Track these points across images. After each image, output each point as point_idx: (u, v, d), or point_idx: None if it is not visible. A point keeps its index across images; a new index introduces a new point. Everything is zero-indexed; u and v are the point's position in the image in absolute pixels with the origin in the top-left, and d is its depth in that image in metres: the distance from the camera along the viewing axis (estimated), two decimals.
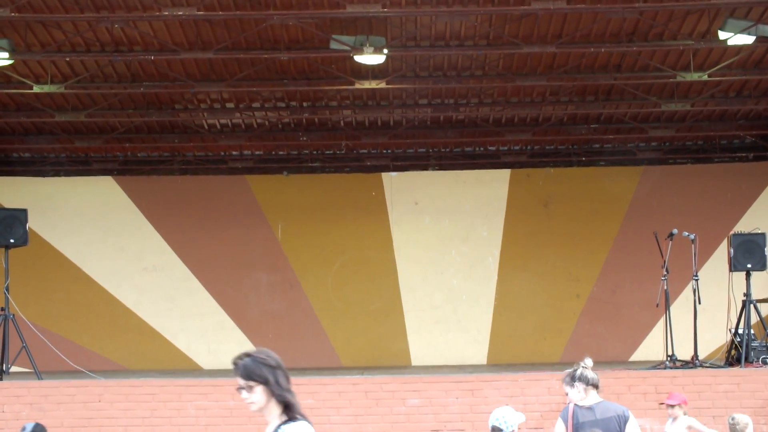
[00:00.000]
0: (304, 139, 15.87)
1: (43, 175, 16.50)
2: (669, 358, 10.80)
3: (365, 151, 16.77)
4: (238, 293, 16.21)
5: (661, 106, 14.46)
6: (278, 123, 15.71)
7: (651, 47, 12.89)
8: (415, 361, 15.90)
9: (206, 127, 15.66)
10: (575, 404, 5.98)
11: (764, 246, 11.22)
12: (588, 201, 16.36)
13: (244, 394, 3.64)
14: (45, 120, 14.88)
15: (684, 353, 11.16)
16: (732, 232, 11.59)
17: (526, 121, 15.71)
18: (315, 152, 16.80)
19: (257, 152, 16.80)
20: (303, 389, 10.16)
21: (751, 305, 11.10)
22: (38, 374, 10.65)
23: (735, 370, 10.47)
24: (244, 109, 15.00)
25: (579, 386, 5.98)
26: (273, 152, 16.84)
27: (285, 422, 3.61)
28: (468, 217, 16.40)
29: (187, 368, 15.45)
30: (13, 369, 10.82)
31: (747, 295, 11.12)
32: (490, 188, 16.44)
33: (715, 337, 12.33)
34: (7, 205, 14.62)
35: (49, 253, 15.94)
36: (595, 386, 6.01)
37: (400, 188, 16.46)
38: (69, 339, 15.04)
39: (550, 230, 16.28)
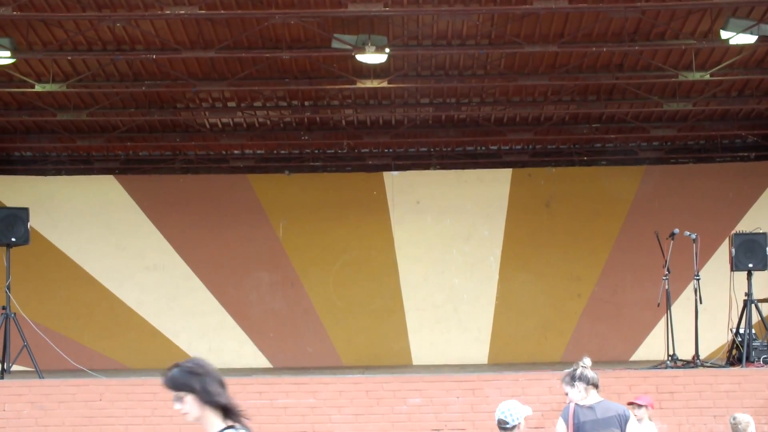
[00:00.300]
0: (306, 138, 15.87)
1: (45, 174, 16.51)
2: (670, 358, 10.79)
3: (367, 150, 16.76)
4: (239, 292, 16.22)
5: (663, 106, 14.45)
6: (280, 122, 15.71)
7: (653, 47, 12.88)
8: (416, 361, 15.90)
9: (208, 126, 15.67)
10: (576, 404, 5.98)
11: (766, 245, 11.21)
12: (589, 200, 16.36)
13: (177, 405, 3.62)
14: (47, 119, 14.89)
15: (685, 353, 11.15)
16: (733, 232, 11.58)
17: (528, 120, 15.70)
18: (316, 151, 16.80)
19: (259, 151, 16.80)
20: (304, 388, 10.17)
21: (753, 305, 11.09)
22: (39, 373, 10.66)
23: (736, 370, 10.46)
24: (246, 108, 15.00)
25: (579, 386, 5.98)
26: (274, 151, 16.84)
27: (223, 430, 3.59)
28: (469, 216, 16.40)
29: None
30: (15, 368, 10.83)
31: (748, 294, 11.12)
32: (491, 188, 16.43)
33: (716, 337, 12.32)
34: (9, 203, 14.62)
35: (51, 251, 15.94)
36: (595, 385, 6.01)
37: (402, 187, 16.46)
38: (70, 338, 15.05)
39: (551, 230, 16.27)
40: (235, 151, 16.76)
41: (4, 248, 11.05)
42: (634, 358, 15.39)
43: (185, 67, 13.43)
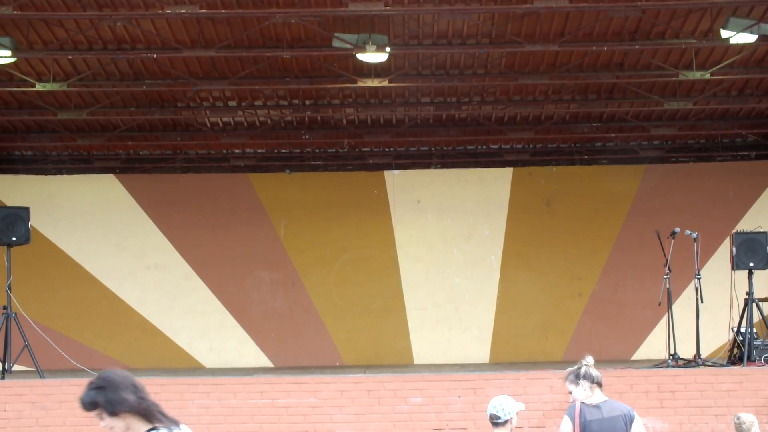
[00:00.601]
0: (307, 137, 15.87)
1: (46, 174, 16.51)
2: (671, 357, 10.79)
3: (368, 149, 16.76)
4: (240, 291, 16.22)
5: (664, 105, 14.45)
6: (281, 121, 15.71)
7: (653, 46, 12.88)
8: (417, 360, 15.90)
9: (208, 125, 15.67)
10: (582, 402, 5.96)
11: (766, 244, 11.20)
12: (590, 199, 16.36)
13: (101, 423, 3.66)
14: (47, 118, 14.89)
15: (686, 352, 11.15)
16: (734, 231, 11.59)
17: (529, 119, 15.70)
18: (317, 150, 16.80)
19: (260, 150, 16.81)
20: (305, 388, 10.17)
21: (754, 304, 11.09)
22: (40, 373, 10.66)
23: (737, 369, 10.46)
24: (247, 107, 15.00)
25: (584, 384, 5.97)
26: (275, 150, 16.84)
27: None
28: (470, 215, 16.40)
29: (189, 366, 15.47)
30: (16, 368, 10.81)
31: (749, 293, 11.12)
32: (492, 187, 16.43)
33: (717, 336, 12.33)
34: (10, 203, 14.62)
35: (51, 251, 15.94)
36: (600, 384, 6.00)
37: (403, 186, 16.45)
38: (71, 337, 15.05)
39: (552, 229, 16.27)
40: (236, 150, 16.76)
41: (5, 248, 11.04)
42: (635, 357, 15.40)
43: (186, 66, 13.42)
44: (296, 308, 16.18)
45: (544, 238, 16.21)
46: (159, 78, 13.70)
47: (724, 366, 10.73)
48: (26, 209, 11.22)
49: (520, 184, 16.43)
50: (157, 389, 10.14)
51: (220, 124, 15.72)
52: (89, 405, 3.63)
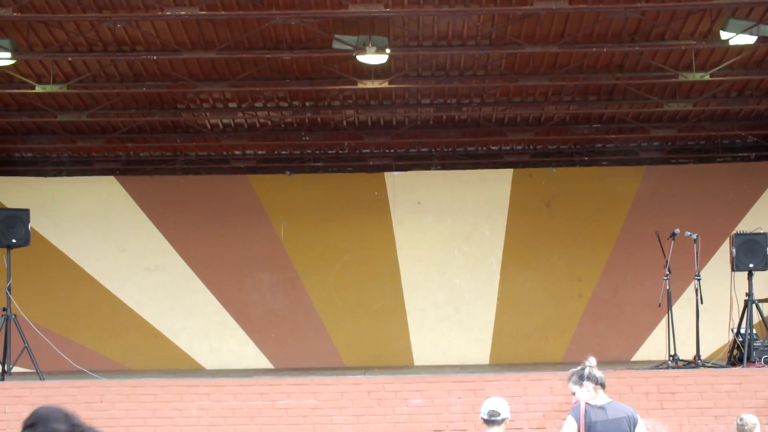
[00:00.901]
0: (307, 138, 15.87)
1: (45, 175, 16.51)
2: (671, 358, 10.79)
3: (368, 150, 16.77)
4: (240, 293, 16.22)
5: (663, 106, 14.45)
6: (281, 123, 15.72)
7: (653, 47, 12.88)
8: (417, 361, 15.90)
9: (209, 126, 15.67)
10: (587, 403, 5.96)
11: (766, 246, 11.20)
12: (590, 201, 16.36)
13: None
14: (47, 120, 14.90)
15: (686, 353, 11.16)
16: (734, 232, 11.59)
17: (529, 120, 15.70)
18: (318, 152, 16.80)
19: (260, 152, 16.81)
20: (305, 389, 10.17)
21: (753, 305, 11.09)
22: (40, 374, 10.66)
23: (737, 370, 10.46)
24: (247, 108, 15.01)
25: (588, 385, 5.96)
26: (275, 152, 16.84)
27: None
28: (470, 216, 16.40)
29: (189, 368, 15.46)
30: (15, 369, 10.82)
31: (749, 294, 11.12)
32: (492, 188, 16.43)
33: (717, 337, 12.33)
34: (9, 205, 14.64)
35: (51, 253, 15.95)
36: (603, 385, 6.00)
37: (403, 188, 16.46)
38: (71, 339, 15.06)
39: (552, 230, 16.27)
40: (236, 152, 16.76)
41: (5, 249, 11.04)
42: (635, 358, 15.39)
43: (186, 68, 13.43)
44: (296, 309, 16.18)
45: (545, 239, 16.22)
46: (159, 80, 13.70)
47: (724, 367, 10.73)
48: (26, 211, 11.22)
49: (520, 186, 16.44)
50: (157, 391, 10.16)
51: (221, 126, 15.72)
52: None
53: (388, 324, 16.10)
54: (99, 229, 16.21)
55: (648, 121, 15.75)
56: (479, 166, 16.73)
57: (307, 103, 14.98)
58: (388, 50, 12.09)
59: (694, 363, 10.77)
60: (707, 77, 13.15)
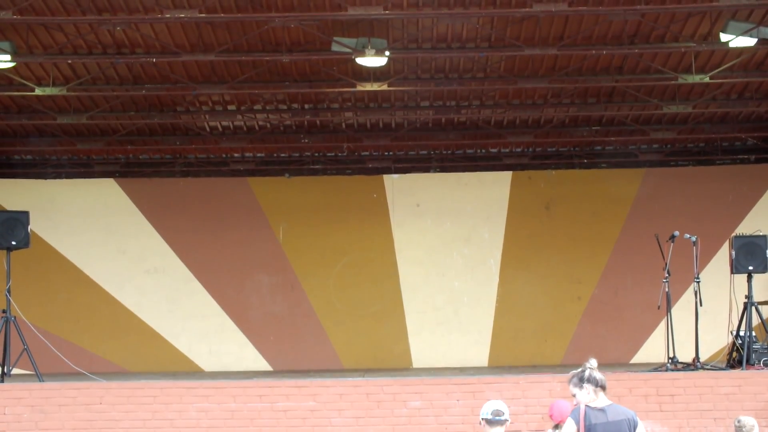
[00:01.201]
0: (306, 141, 15.88)
1: (45, 178, 16.52)
2: (670, 360, 10.79)
3: (367, 153, 16.77)
4: (239, 295, 16.21)
5: (663, 109, 14.46)
6: (280, 125, 15.72)
7: (652, 49, 12.88)
8: (416, 363, 15.89)
9: (208, 129, 15.67)
10: (587, 405, 5.96)
11: (766, 248, 11.20)
12: (589, 203, 16.36)
13: None
14: (47, 122, 14.90)
15: (685, 355, 11.15)
16: (733, 234, 11.59)
17: (528, 123, 15.71)
18: (316, 154, 16.80)
19: (259, 154, 16.81)
20: (304, 391, 10.17)
21: (753, 307, 11.09)
22: (39, 376, 10.66)
23: (736, 372, 10.47)
24: (246, 111, 15.01)
25: (588, 387, 5.97)
26: (275, 154, 16.84)
27: None
28: (469, 219, 16.40)
29: (188, 370, 15.45)
30: (15, 371, 10.82)
31: (748, 297, 11.12)
32: (491, 190, 16.43)
33: (716, 339, 12.32)
34: (9, 207, 14.65)
35: (51, 255, 15.95)
36: (603, 387, 6.00)
37: (402, 190, 16.46)
38: (70, 341, 15.05)
39: (551, 232, 16.28)
40: (235, 154, 16.76)
41: (5, 251, 11.05)
42: (634, 360, 15.39)
43: (185, 71, 13.43)
44: (295, 312, 16.18)
45: (544, 242, 16.22)
46: (158, 82, 13.69)
47: (724, 369, 10.73)
48: (26, 213, 11.22)
49: (519, 188, 16.44)
50: (157, 393, 10.16)
51: (220, 128, 15.73)
52: None
53: (387, 326, 16.10)
54: (98, 231, 16.21)
55: (647, 124, 15.76)
56: (478, 168, 16.73)
57: (306, 106, 14.98)
58: (387, 52, 12.10)
59: (694, 365, 10.77)
60: (707, 79, 13.16)
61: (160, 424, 10.03)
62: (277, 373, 15.07)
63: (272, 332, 16.08)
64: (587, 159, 16.70)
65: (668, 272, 11.06)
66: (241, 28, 12.24)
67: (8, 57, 12.19)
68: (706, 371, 10.55)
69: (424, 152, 16.88)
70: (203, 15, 11.18)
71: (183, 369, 15.47)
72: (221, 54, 12.41)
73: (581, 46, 12.60)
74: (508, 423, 5.90)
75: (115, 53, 12.61)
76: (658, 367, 10.93)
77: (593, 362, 6.07)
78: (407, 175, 16.61)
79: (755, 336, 11.14)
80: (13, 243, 10.97)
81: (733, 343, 11.12)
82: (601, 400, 5.97)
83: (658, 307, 11.28)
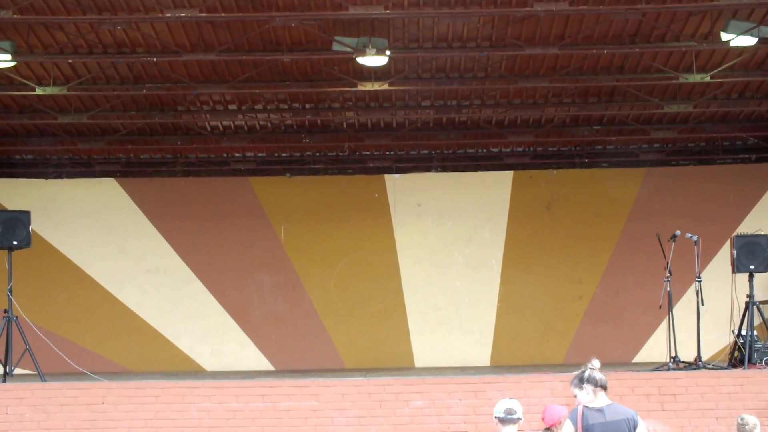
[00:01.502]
0: (307, 140, 15.88)
1: (46, 177, 16.52)
2: (672, 360, 10.79)
3: (368, 152, 16.77)
4: (240, 295, 16.22)
5: (664, 108, 14.45)
6: (281, 125, 15.72)
7: (653, 49, 12.88)
8: (418, 363, 15.90)
9: (209, 128, 15.67)
10: (584, 406, 5.97)
11: (767, 247, 11.20)
12: (591, 203, 16.35)
13: None
14: (47, 122, 14.90)
15: (687, 355, 11.15)
16: (735, 234, 11.58)
17: (529, 122, 15.71)
18: (318, 154, 16.80)
19: (260, 154, 16.81)
20: (306, 391, 10.17)
21: (754, 306, 11.09)
22: (41, 376, 10.67)
23: (738, 372, 10.46)
24: (247, 110, 15.01)
25: (588, 388, 5.97)
26: (276, 154, 16.84)
27: None
28: (471, 218, 16.40)
29: (190, 370, 15.46)
30: (17, 371, 10.82)
31: (750, 296, 11.12)
32: (492, 190, 16.43)
33: (718, 339, 12.32)
34: (10, 207, 14.65)
35: (52, 254, 15.95)
36: (604, 387, 5.99)
37: (403, 190, 16.46)
38: (72, 341, 15.05)
39: (552, 232, 16.27)
40: (236, 154, 16.76)
41: (6, 251, 11.06)
42: (636, 360, 15.38)
43: (186, 70, 13.43)
44: (297, 311, 16.18)
45: (545, 242, 16.21)
46: (159, 82, 13.69)
47: (725, 369, 10.73)
48: (27, 213, 11.23)
49: (520, 188, 16.43)
50: (159, 392, 10.16)
51: (221, 128, 15.73)
52: None
53: (389, 326, 16.10)
54: (99, 231, 16.21)
55: (648, 123, 15.76)
56: (479, 168, 16.73)
57: (307, 105, 14.98)
58: (388, 52, 12.10)
59: (695, 365, 10.77)
60: (708, 79, 13.15)
61: (161, 423, 10.04)
62: (278, 372, 15.07)
63: (274, 332, 16.08)
64: (588, 159, 16.70)
65: (670, 272, 11.06)
66: (242, 28, 12.24)
67: (9, 56, 12.19)
68: (707, 370, 10.55)
69: (425, 152, 16.88)
70: (204, 14, 11.18)
71: (185, 369, 15.47)
72: (222, 53, 12.41)
73: (582, 46, 12.59)
74: (521, 421, 5.92)
75: (115, 53, 12.61)
76: (659, 367, 10.93)
77: (595, 363, 6.07)
78: (408, 174, 16.61)
79: (757, 335, 11.14)
80: (15, 243, 10.98)
81: (735, 343, 11.12)
82: (600, 400, 5.97)
83: (660, 307, 11.28)
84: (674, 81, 13.37)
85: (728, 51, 12.93)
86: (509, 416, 5.90)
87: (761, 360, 10.76)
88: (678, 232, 11.21)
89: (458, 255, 16.33)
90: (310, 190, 16.51)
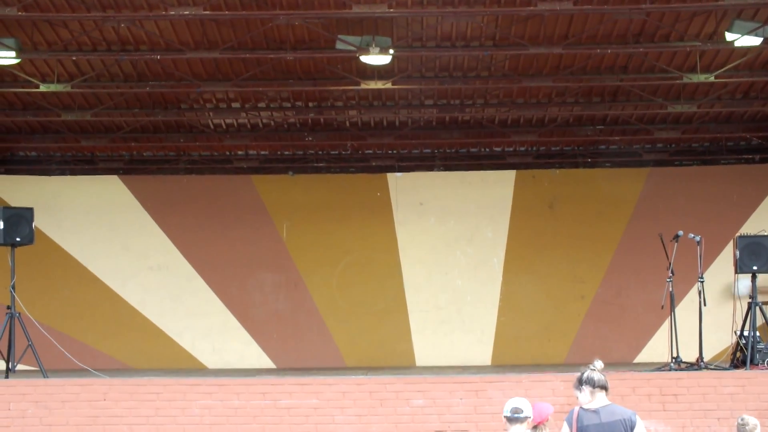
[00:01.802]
0: (310, 139, 15.88)
1: (49, 174, 16.54)
2: (674, 360, 10.78)
3: (371, 151, 16.78)
4: (242, 293, 16.23)
5: (668, 108, 14.44)
6: (284, 123, 15.73)
7: (657, 48, 12.87)
8: (419, 362, 15.90)
9: (212, 126, 15.69)
10: (581, 407, 5.97)
11: None
12: (593, 202, 16.34)
13: None
14: (51, 119, 14.92)
15: (689, 355, 11.14)
16: (738, 234, 11.55)
17: (532, 122, 15.70)
18: (320, 152, 16.81)
19: (263, 152, 16.83)
20: (307, 389, 10.17)
21: (757, 307, 11.07)
22: (44, 372, 10.68)
23: (740, 372, 10.44)
24: (250, 108, 15.02)
25: (586, 389, 5.97)
26: (278, 152, 16.85)
27: None
28: (473, 218, 16.39)
29: (191, 367, 15.48)
30: (19, 367, 10.84)
31: (752, 297, 11.10)
32: (495, 189, 16.42)
33: (720, 339, 12.32)
34: (13, 203, 14.65)
35: (55, 251, 15.97)
36: (603, 388, 5.98)
37: (406, 189, 16.46)
38: (74, 337, 15.06)
39: (555, 231, 16.26)
40: (239, 152, 16.78)
41: (9, 248, 11.06)
42: (637, 360, 15.38)
43: (189, 68, 13.44)
44: (299, 310, 16.19)
45: (547, 241, 16.20)
46: (162, 79, 13.72)
47: (727, 369, 10.71)
48: (30, 210, 11.24)
49: (523, 187, 16.43)
50: (160, 389, 10.17)
51: (224, 126, 15.73)
52: None
53: (390, 325, 16.10)
54: (102, 228, 16.22)
55: (652, 123, 15.75)
56: (482, 167, 16.72)
57: (310, 104, 14.99)
58: (391, 51, 12.10)
59: (697, 365, 10.75)
60: (712, 79, 13.14)
61: (163, 420, 10.04)
62: (280, 370, 15.08)
63: (275, 330, 16.09)
64: (591, 158, 16.69)
65: (672, 272, 11.04)
66: (246, 26, 12.24)
67: (13, 54, 12.21)
68: (709, 371, 10.53)
69: (428, 151, 16.88)
70: (208, 12, 11.18)
71: (186, 366, 15.49)
72: (225, 51, 12.42)
73: (586, 45, 12.58)
74: (529, 420, 5.92)
75: (119, 50, 12.64)
76: (661, 367, 10.91)
77: (598, 363, 6.07)
78: (411, 173, 16.61)
79: (759, 336, 11.12)
80: (18, 239, 10.98)
81: (737, 343, 11.10)
82: (598, 400, 5.96)
83: (662, 307, 11.25)
84: (678, 81, 13.36)
85: (733, 51, 12.92)
86: (515, 415, 5.91)
87: (763, 361, 10.73)
88: (681, 232, 11.19)
89: (460, 254, 16.33)
90: (312, 189, 16.52)
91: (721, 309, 11.50)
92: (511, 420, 5.97)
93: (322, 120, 15.59)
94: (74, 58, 12.98)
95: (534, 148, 16.72)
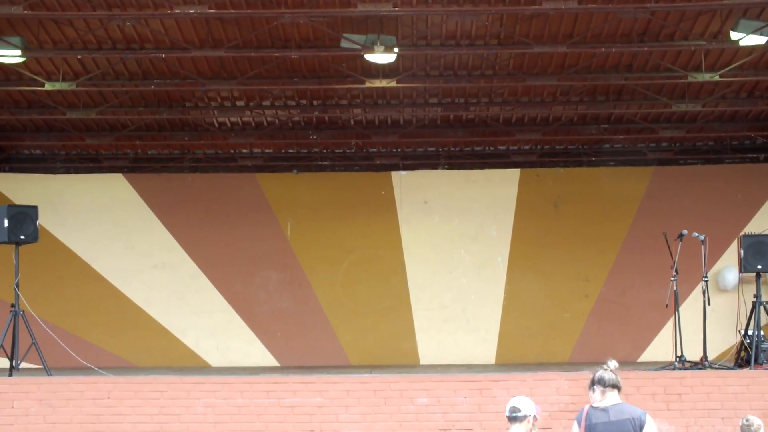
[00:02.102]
0: (314, 137, 15.89)
1: (54, 172, 16.55)
2: (678, 359, 10.78)
3: (375, 149, 16.77)
4: (247, 291, 16.24)
5: (672, 107, 14.42)
6: (288, 121, 15.73)
7: (662, 47, 12.85)
8: (423, 360, 15.90)
9: (216, 125, 15.70)
10: (591, 406, 5.99)
11: None
12: (598, 201, 16.33)
13: None
14: (56, 117, 14.94)
15: (693, 354, 11.14)
16: (742, 233, 11.55)
17: (536, 120, 15.69)
18: (325, 151, 16.81)
19: (267, 150, 16.83)
20: (311, 387, 10.18)
21: (761, 306, 11.07)
22: (48, 370, 10.70)
23: (744, 372, 10.45)
24: (255, 107, 15.03)
25: (597, 389, 6.00)
26: (283, 150, 16.86)
27: None
28: (477, 216, 16.39)
29: (195, 365, 15.50)
30: (23, 365, 10.87)
31: (757, 296, 11.10)
32: (499, 188, 16.42)
33: (724, 339, 12.30)
34: (18, 201, 14.66)
35: (59, 249, 15.99)
36: (614, 387, 6.00)
37: (410, 187, 16.45)
38: (78, 336, 15.09)
39: (559, 230, 16.25)
40: (244, 150, 16.79)
41: (13, 246, 11.09)
42: (641, 359, 15.37)
43: (194, 66, 13.45)
44: (303, 308, 16.19)
45: (551, 240, 16.19)
46: (167, 78, 13.73)
47: (732, 368, 10.71)
48: (34, 208, 11.26)
49: (527, 186, 16.42)
50: (164, 388, 10.19)
51: (228, 124, 15.75)
52: None
53: (395, 323, 16.10)
54: (107, 226, 16.24)
55: (656, 122, 15.72)
56: (486, 165, 16.72)
57: (315, 102, 14.99)
58: (396, 49, 12.10)
59: (701, 364, 10.75)
60: (717, 78, 13.12)
61: (167, 419, 10.06)
62: (284, 369, 15.10)
63: (279, 328, 16.10)
64: (596, 157, 16.67)
65: (676, 271, 11.04)
66: (251, 24, 12.25)
67: (18, 52, 12.22)
68: (714, 370, 10.53)
69: (432, 149, 16.87)
70: (213, 11, 11.19)
71: (190, 364, 15.51)
72: (230, 50, 12.43)
73: (590, 44, 12.57)
74: (529, 417, 5.91)
75: (124, 48, 12.64)
76: (665, 366, 10.92)
77: (611, 363, 6.08)
78: (415, 172, 16.60)
79: (763, 335, 11.11)
80: (22, 237, 11.01)
81: (741, 342, 11.10)
82: (608, 399, 5.98)
83: (666, 306, 11.26)
84: (683, 80, 13.34)
85: (738, 50, 12.89)
86: (513, 414, 5.92)
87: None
88: (685, 231, 11.19)
89: (464, 253, 16.32)
90: (316, 187, 16.52)
91: (725, 308, 11.47)
92: (510, 419, 5.98)
93: (326, 118, 15.59)
94: (79, 57, 13.00)
95: (538, 147, 16.71)
